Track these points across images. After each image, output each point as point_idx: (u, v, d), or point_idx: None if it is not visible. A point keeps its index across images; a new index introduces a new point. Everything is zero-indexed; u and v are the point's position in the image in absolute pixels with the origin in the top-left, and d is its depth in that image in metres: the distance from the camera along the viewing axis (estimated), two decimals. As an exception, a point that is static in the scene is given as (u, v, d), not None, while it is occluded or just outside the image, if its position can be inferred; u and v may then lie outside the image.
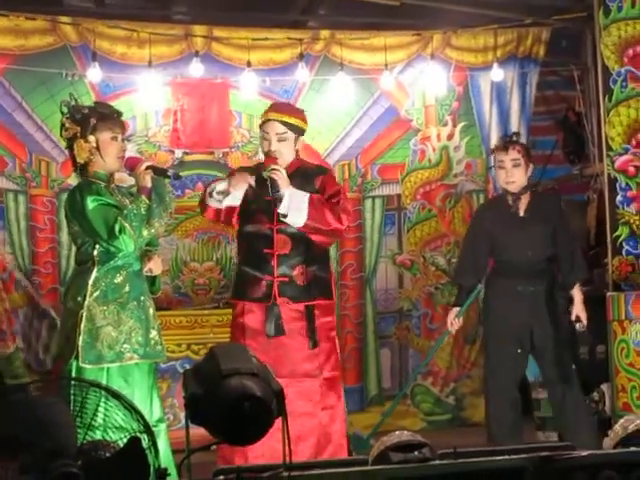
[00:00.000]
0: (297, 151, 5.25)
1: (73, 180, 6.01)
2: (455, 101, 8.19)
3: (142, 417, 3.25)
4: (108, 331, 4.70)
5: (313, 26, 8.20)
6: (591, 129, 8.23)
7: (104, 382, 4.44)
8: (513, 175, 5.86)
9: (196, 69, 7.51)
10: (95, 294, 4.72)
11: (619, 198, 6.49)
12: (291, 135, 5.17)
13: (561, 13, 8.01)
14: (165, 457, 4.36)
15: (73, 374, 4.63)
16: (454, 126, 8.21)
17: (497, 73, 7.99)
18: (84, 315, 4.69)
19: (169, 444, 4.81)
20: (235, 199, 5.05)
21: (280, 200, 4.99)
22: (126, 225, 4.66)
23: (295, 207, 5.00)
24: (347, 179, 8.07)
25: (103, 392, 3.28)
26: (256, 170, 5.26)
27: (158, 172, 4.85)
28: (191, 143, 7.78)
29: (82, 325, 4.68)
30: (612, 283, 6.49)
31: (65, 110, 4.83)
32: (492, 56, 8.06)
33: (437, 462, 3.39)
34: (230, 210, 5.10)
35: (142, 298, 4.84)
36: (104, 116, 4.83)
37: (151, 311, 4.88)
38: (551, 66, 8.45)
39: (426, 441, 3.47)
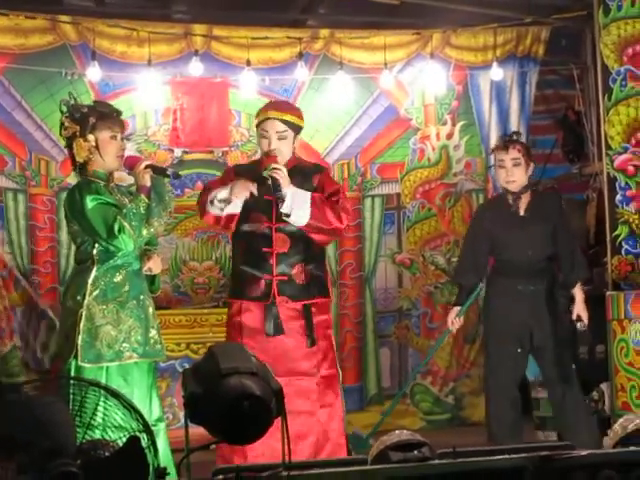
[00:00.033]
0: (294, 149, 5.25)
1: (72, 179, 6.01)
2: (455, 100, 8.19)
3: (141, 416, 3.25)
4: (107, 330, 4.70)
5: (313, 25, 8.20)
6: (590, 128, 8.22)
7: (103, 381, 4.43)
8: (513, 174, 5.86)
9: (196, 68, 7.51)
10: (94, 293, 4.72)
11: (618, 197, 6.49)
12: (290, 133, 5.16)
13: (561, 12, 8.01)
14: (164, 456, 4.35)
15: (72, 373, 4.64)
16: (453, 125, 8.21)
17: (497, 72, 7.99)
18: (83, 314, 4.69)
19: (168, 443, 4.81)
20: (236, 207, 5.03)
21: (282, 199, 4.98)
22: (125, 224, 4.66)
23: (298, 206, 4.99)
24: (347, 178, 8.07)
25: (102, 391, 3.28)
26: (252, 168, 5.26)
27: (157, 171, 4.85)
28: (190, 142, 7.78)
29: (81, 324, 4.68)
30: (611, 282, 6.49)
31: (64, 109, 4.83)
32: (492, 55, 8.05)
33: (436, 462, 3.39)
34: (230, 217, 5.08)
35: (141, 297, 4.84)
36: (103, 115, 4.83)
37: (150, 310, 4.88)
38: (551, 65, 8.44)
39: (425, 440, 3.47)
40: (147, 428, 3.23)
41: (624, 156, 6.47)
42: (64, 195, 5.18)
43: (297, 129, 5.21)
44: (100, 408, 3.27)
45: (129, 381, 4.72)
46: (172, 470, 4.24)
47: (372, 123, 8.07)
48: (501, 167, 5.91)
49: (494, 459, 3.43)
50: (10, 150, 7.40)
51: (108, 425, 3.26)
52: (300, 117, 5.24)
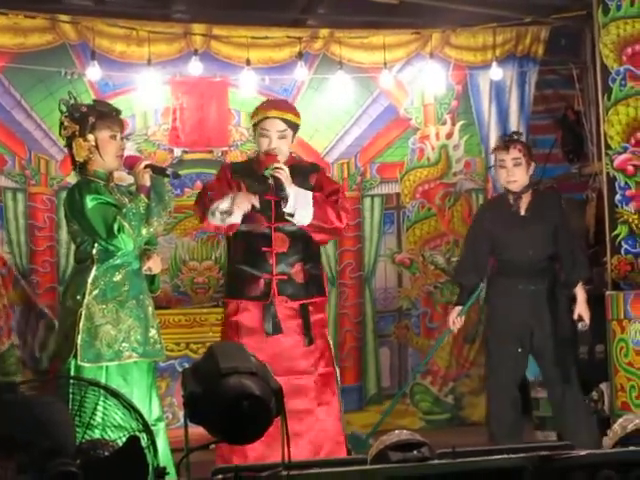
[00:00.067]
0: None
1: (72, 178, 6.00)
2: (454, 100, 8.19)
3: (141, 416, 3.25)
4: (107, 330, 4.70)
5: (312, 25, 8.20)
6: (590, 128, 8.22)
7: (103, 381, 4.43)
8: (514, 174, 5.86)
9: (195, 67, 7.51)
10: (94, 292, 4.72)
11: (618, 197, 6.48)
12: (289, 132, 5.17)
13: (560, 12, 8.01)
14: (164, 456, 4.35)
15: (72, 373, 4.64)
16: (453, 125, 8.21)
17: (496, 72, 7.99)
18: (83, 313, 4.69)
19: (168, 443, 4.81)
20: (237, 218, 5.01)
21: (286, 199, 4.97)
22: (125, 224, 4.65)
23: (301, 206, 5.00)
24: (346, 178, 8.07)
25: (102, 391, 3.28)
26: (248, 166, 5.26)
27: (157, 171, 4.84)
28: (190, 142, 7.78)
29: (81, 324, 4.68)
30: (611, 282, 6.48)
31: (64, 109, 4.83)
32: (491, 55, 8.05)
33: (436, 461, 3.39)
34: (231, 225, 5.08)
35: (141, 297, 4.84)
36: (103, 115, 4.83)
37: (150, 310, 4.88)
38: (550, 65, 8.44)
39: (425, 440, 3.47)
40: (147, 428, 3.23)
41: (623, 156, 6.47)
42: (64, 194, 5.18)
43: (295, 128, 5.22)
44: (100, 408, 3.28)
45: (129, 381, 4.72)
46: (172, 470, 4.23)
47: (372, 123, 8.07)
48: (502, 167, 5.91)
49: (493, 459, 3.43)
50: (10, 149, 7.39)
51: (108, 425, 3.27)
52: (298, 116, 5.25)
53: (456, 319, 6.10)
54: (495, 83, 8.15)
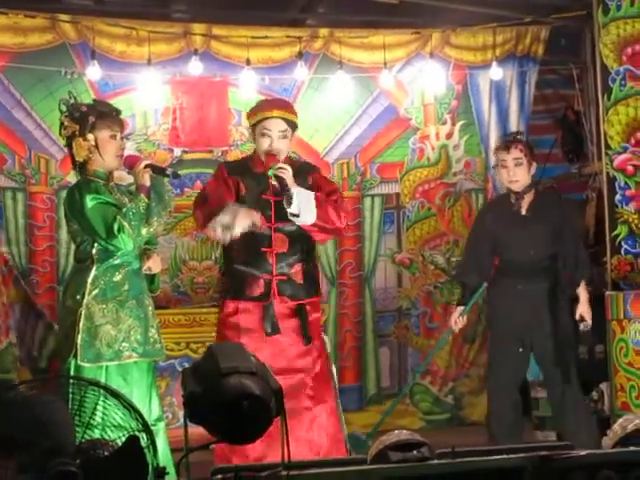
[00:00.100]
0: None
1: (72, 177, 6.00)
2: (454, 100, 8.19)
3: (141, 416, 3.25)
4: (107, 329, 4.70)
5: (312, 24, 8.20)
6: (590, 128, 8.22)
7: (103, 381, 4.43)
8: (516, 174, 5.86)
9: (195, 67, 7.51)
10: (94, 292, 4.72)
11: (618, 197, 6.49)
12: (289, 132, 5.17)
13: (560, 12, 8.01)
14: (164, 456, 4.35)
15: (72, 372, 4.64)
16: (453, 125, 8.21)
17: (496, 72, 7.99)
18: (83, 313, 4.69)
19: (168, 443, 4.81)
20: (237, 233, 4.97)
21: (291, 199, 4.96)
22: (125, 224, 4.65)
23: (305, 206, 4.99)
24: (346, 178, 8.07)
25: (102, 391, 3.28)
26: (244, 164, 5.24)
27: (157, 171, 4.84)
28: (190, 141, 7.78)
29: (81, 323, 4.68)
30: (611, 282, 6.48)
31: (64, 108, 4.83)
32: (491, 55, 8.05)
33: (435, 461, 3.39)
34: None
35: (141, 296, 4.84)
36: (103, 114, 4.83)
37: (150, 309, 4.88)
38: (550, 65, 8.44)
39: (425, 440, 3.47)
40: (146, 428, 3.23)
41: (623, 156, 6.47)
42: (64, 193, 5.18)
43: (295, 128, 5.22)
44: (99, 407, 3.28)
45: (128, 380, 4.72)
46: (171, 470, 4.23)
47: (372, 122, 8.07)
48: (503, 167, 5.91)
49: (493, 459, 3.43)
50: (10, 148, 7.39)
51: (107, 424, 3.27)
52: (296, 115, 5.25)
53: (458, 319, 6.09)
54: (495, 83, 8.14)
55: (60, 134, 4.93)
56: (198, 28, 7.71)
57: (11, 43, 7.27)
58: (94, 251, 4.75)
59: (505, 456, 3.45)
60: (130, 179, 5.04)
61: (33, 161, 7.46)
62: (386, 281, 8.16)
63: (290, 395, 4.54)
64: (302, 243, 5.15)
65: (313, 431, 5.07)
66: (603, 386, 6.68)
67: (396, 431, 3.54)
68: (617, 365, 6.27)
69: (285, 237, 5.10)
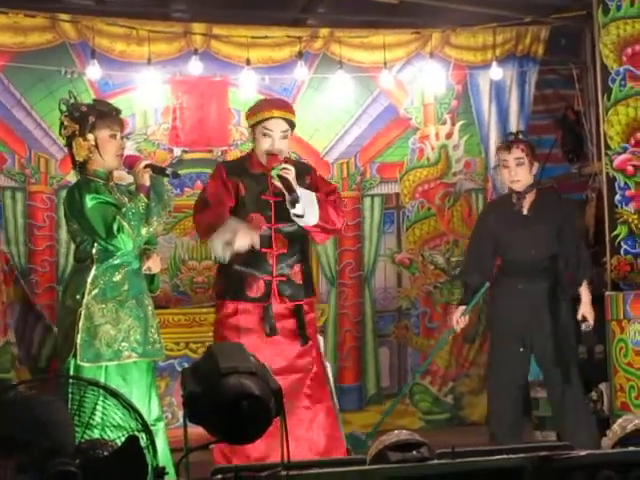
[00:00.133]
0: None
1: (72, 177, 5.99)
2: (454, 100, 8.18)
3: (140, 416, 3.25)
4: (107, 329, 4.70)
5: (312, 24, 8.19)
6: (590, 128, 8.22)
7: (102, 380, 4.43)
8: (517, 174, 5.86)
9: (195, 67, 7.50)
10: (94, 292, 4.72)
11: (617, 197, 6.49)
12: (289, 132, 5.17)
13: (560, 12, 8.01)
14: (163, 456, 4.35)
15: (71, 372, 4.64)
16: (453, 125, 8.21)
17: (496, 72, 7.99)
18: (82, 313, 4.69)
19: (167, 443, 4.81)
20: (236, 251, 4.96)
21: (297, 201, 4.95)
22: (124, 224, 4.65)
23: (308, 207, 4.99)
24: (346, 177, 8.07)
25: (101, 390, 3.28)
26: (241, 164, 5.23)
27: (157, 171, 4.84)
28: (190, 141, 7.77)
29: (80, 323, 4.68)
30: (610, 282, 6.48)
31: (64, 108, 4.83)
32: (491, 55, 8.05)
33: (435, 461, 3.39)
34: None
35: (141, 296, 4.83)
36: (103, 114, 4.83)
37: (150, 309, 4.88)
38: (550, 65, 8.44)
39: (424, 440, 3.47)
40: (146, 427, 3.23)
41: (623, 156, 6.47)
42: (64, 193, 5.18)
43: (293, 127, 5.22)
44: (99, 407, 3.28)
45: (128, 380, 4.72)
46: (171, 470, 4.23)
47: (372, 122, 8.07)
48: (505, 167, 5.92)
49: (493, 459, 3.43)
50: (10, 147, 7.39)
51: (107, 424, 3.27)
52: (295, 115, 5.25)
53: (460, 318, 6.09)
54: (495, 83, 8.14)
55: (60, 134, 4.93)
56: (198, 28, 7.71)
57: (11, 42, 7.27)
58: (94, 251, 4.75)
59: (505, 456, 3.45)
60: (130, 179, 5.03)
61: (33, 160, 7.46)
62: (386, 281, 8.16)
63: (289, 395, 4.56)
64: (300, 244, 5.16)
65: (313, 430, 5.08)
66: (602, 386, 6.68)
67: (396, 431, 3.55)
68: (617, 365, 6.27)
69: (285, 238, 5.09)
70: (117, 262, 4.76)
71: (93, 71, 7.29)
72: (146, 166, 4.79)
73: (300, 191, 4.97)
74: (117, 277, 4.76)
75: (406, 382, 7.98)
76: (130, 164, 4.86)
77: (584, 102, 8.33)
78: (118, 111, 4.93)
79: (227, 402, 3.27)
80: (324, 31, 7.95)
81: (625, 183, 6.46)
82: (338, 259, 8.05)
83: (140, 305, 4.81)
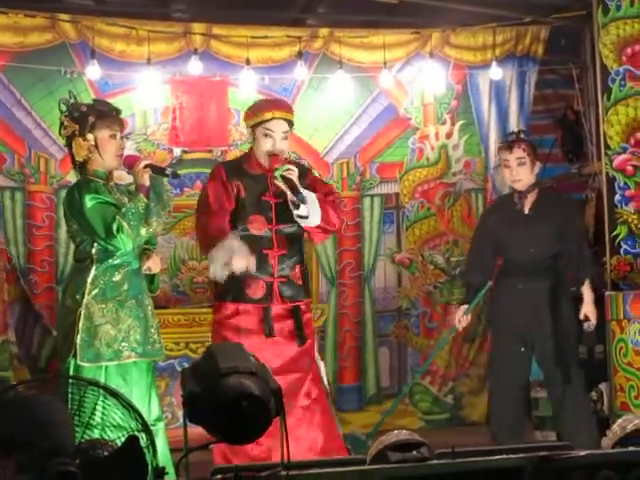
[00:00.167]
0: None
1: (72, 177, 5.99)
2: (454, 99, 8.19)
3: (140, 416, 3.25)
4: (106, 329, 4.69)
5: (312, 24, 8.20)
6: (590, 128, 8.22)
7: (102, 380, 4.43)
8: (519, 174, 5.86)
9: (195, 67, 7.51)
10: (94, 292, 4.72)
11: (617, 197, 6.49)
12: (289, 133, 5.16)
13: (560, 12, 8.01)
14: (163, 456, 4.35)
15: (71, 372, 4.63)
16: (453, 125, 8.21)
17: (496, 72, 7.99)
18: (82, 313, 4.69)
19: (167, 443, 4.80)
20: (232, 271, 4.95)
21: (302, 202, 4.94)
22: (124, 224, 4.65)
23: (312, 208, 4.98)
24: (346, 177, 8.07)
25: (101, 390, 3.28)
26: (239, 164, 5.22)
27: (156, 171, 4.84)
28: (190, 141, 7.77)
29: (80, 323, 4.68)
30: (610, 282, 6.48)
31: (64, 108, 4.83)
32: (491, 54, 8.05)
33: (435, 461, 3.39)
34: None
35: (141, 296, 4.83)
36: (102, 114, 4.83)
37: (150, 309, 4.88)
38: (550, 65, 8.44)
39: (424, 440, 3.47)
40: (146, 427, 3.23)
41: (623, 156, 6.47)
42: (63, 193, 5.18)
43: (292, 127, 5.21)
44: (99, 407, 3.28)
45: (128, 380, 4.71)
46: (171, 470, 4.23)
47: (371, 122, 8.07)
48: (506, 167, 5.92)
49: (493, 459, 3.43)
50: (9, 147, 7.39)
51: (107, 424, 3.26)
52: (294, 115, 5.25)
53: (462, 317, 6.08)
54: (495, 83, 8.15)
55: (60, 134, 4.93)
56: (198, 28, 7.71)
57: (11, 42, 7.27)
58: (94, 251, 4.75)
59: (505, 456, 3.45)
60: (130, 179, 5.03)
61: (33, 160, 7.46)
62: (386, 281, 8.16)
63: (289, 395, 4.56)
64: (299, 244, 5.16)
65: (312, 430, 5.08)
66: (602, 386, 6.68)
67: (395, 431, 3.54)
68: (616, 365, 6.27)
69: (286, 239, 5.09)
70: (117, 262, 4.76)
71: (93, 71, 7.29)
72: (146, 166, 4.79)
73: (304, 193, 4.96)
74: (117, 277, 4.76)
75: (406, 382, 7.99)
76: (130, 164, 4.85)
77: (584, 102, 8.34)
78: (118, 111, 4.93)
79: (227, 402, 3.27)
80: (324, 31, 7.96)
81: (625, 183, 6.46)
82: (338, 259, 8.05)
83: (140, 305, 4.81)
